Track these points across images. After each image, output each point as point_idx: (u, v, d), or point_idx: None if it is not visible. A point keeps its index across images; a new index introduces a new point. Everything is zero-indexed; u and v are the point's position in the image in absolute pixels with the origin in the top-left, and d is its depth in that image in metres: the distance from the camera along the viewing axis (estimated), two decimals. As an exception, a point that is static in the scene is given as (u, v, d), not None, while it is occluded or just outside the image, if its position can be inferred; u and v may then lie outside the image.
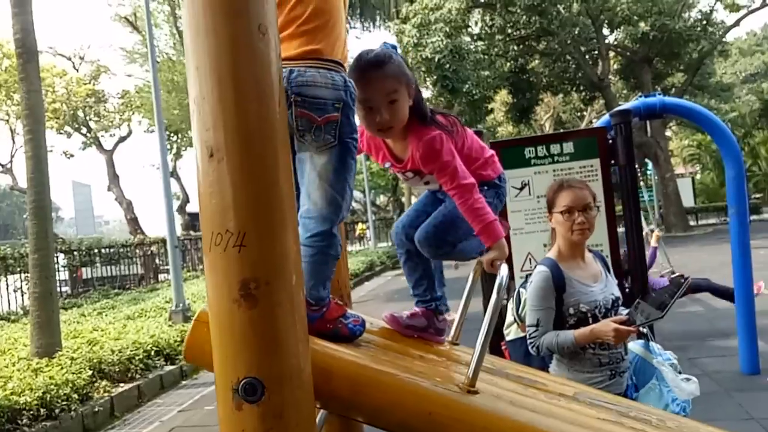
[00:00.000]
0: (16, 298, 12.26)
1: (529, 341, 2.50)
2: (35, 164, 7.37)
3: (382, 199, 44.82)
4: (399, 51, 2.08)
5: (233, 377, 1.42)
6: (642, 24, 21.95)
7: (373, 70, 1.89)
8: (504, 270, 1.79)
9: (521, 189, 3.60)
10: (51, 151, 26.51)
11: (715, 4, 24.79)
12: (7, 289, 11.99)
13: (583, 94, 27.70)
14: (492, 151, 2.18)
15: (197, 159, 1.46)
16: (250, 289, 1.40)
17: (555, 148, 3.54)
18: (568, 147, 3.52)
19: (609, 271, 2.64)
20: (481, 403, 1.64)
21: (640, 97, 5.95)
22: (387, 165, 2.14)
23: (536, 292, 2.51)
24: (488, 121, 30.77)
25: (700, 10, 25.20)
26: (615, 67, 29.11)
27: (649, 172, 27.16)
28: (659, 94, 5.67)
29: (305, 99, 1.77)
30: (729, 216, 5.47)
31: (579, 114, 32.74)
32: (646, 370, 2.55)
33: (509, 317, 2.77)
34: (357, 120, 1.96)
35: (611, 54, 26.94)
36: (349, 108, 1.83)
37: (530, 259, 3.60)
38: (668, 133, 31.39)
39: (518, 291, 2.72)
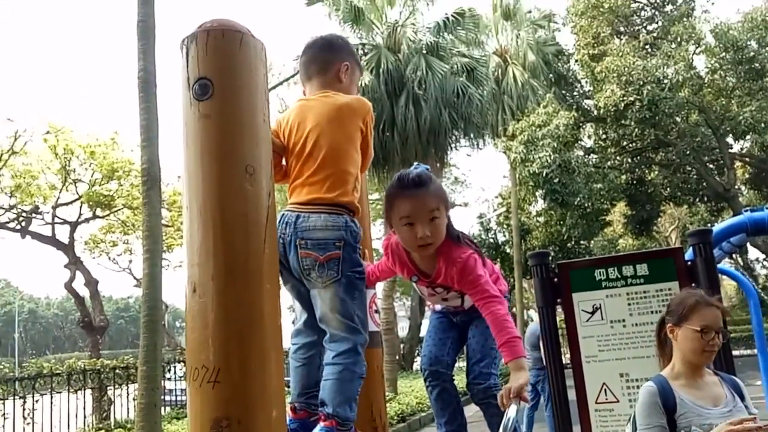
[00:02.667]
0: (134, 406, 12.83)
1: None
2: (150, 281, 7.90)
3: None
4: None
5: None
6: (770, 131, 20.74)
7: (416, 188, 2.00)
8: (512, 411, 1.66)
9: (592, 313, 3.36)
10: (180, 265, 28.63)
11: None
12: (127, 397, 12.61)
13: (710, 204, 26.14)
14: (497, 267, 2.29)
15: (185, 294, 1.52)
16: (222, 428, 1.38)
17: (628, 270, 3.32)
18: (642, 269, 3.29)
19: (743, 398, 2.41)
20: None
21: (746, 211, 5.53)
22: (414, 279, 2.17)
23: (643, 409, 2.34)
24: (606, 234, 29.65)
25: (837, 114, 23.48)
26: (745, 176, 27.46)
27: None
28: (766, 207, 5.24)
29: (308, 241, 1.91)
30: None
31: (707, 225, 30.80)
32: None
33: None
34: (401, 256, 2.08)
35: (738, 163, 25.52)
36: (350, 246, 1.95)
37: (605, 390, 3.29)
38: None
39: (633, 414, 2.53)
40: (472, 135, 18.72)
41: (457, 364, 2.43)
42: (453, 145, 18.78)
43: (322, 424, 1.86)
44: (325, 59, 2.17)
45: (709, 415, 2.28)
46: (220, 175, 1.50)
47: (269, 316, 1.50)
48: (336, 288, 1.90)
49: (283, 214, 1.95)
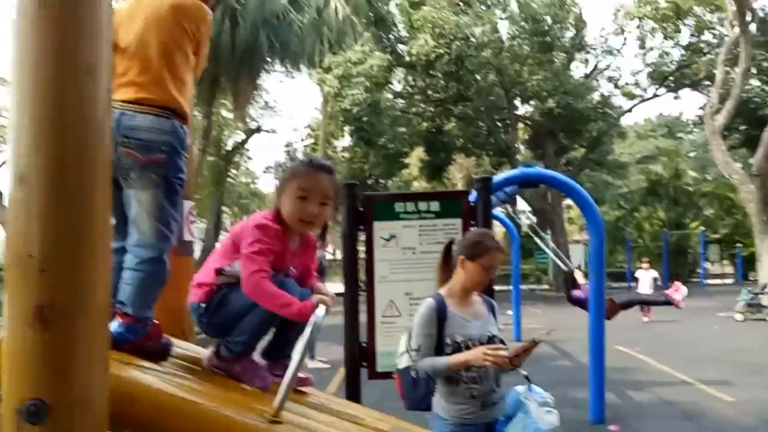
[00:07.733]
0: None
1: (411, 364, 2.80)
2: None
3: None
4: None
5: (18, 398, 1.43)
6: (550, 101, 23.41)
7: (322, 171, 2.07)
8: (321, 311, 1.89)
9: (388, 240, 3.78)
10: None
11: (614, 89, 27.20)
12: None
13: (493, 158, 28.99)
14: None
15: (10, 181, 1.49)
16: (45, 314, 1.42)
17: (423, 206, 3.76)
18: (435, 206, 3.75)
19: (494, 316, 2.96)
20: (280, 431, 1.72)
21: (522, 167, 6.39)
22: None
23: (420, 319, 2.81)
24: (404, 175, 31.58)
25: (602, 94, 27.26)
26: (525, 137, 30.75)
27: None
28: (536, 166, 6.09)
29: (131, 140, 1.90)
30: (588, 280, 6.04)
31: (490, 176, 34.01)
32: (519, 407, 2.84)
33: (401, 347, 2.96)
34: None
35: (520, 125, 28.45)
36: (176, 151, 1.96)
37: (391, 305, 3.76)
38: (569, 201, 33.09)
39: (413, 324, 2.94)
40: (288, 61, 18.50)
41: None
42: (267, 69, 18.38)
43: (120, 320, 1.89)
44: None
45: (470, 326, 2.83)
46: (58, 71, 1.47)
47: (100, 213, 1.53)
48: (156, 192, 1.90)
49: None
